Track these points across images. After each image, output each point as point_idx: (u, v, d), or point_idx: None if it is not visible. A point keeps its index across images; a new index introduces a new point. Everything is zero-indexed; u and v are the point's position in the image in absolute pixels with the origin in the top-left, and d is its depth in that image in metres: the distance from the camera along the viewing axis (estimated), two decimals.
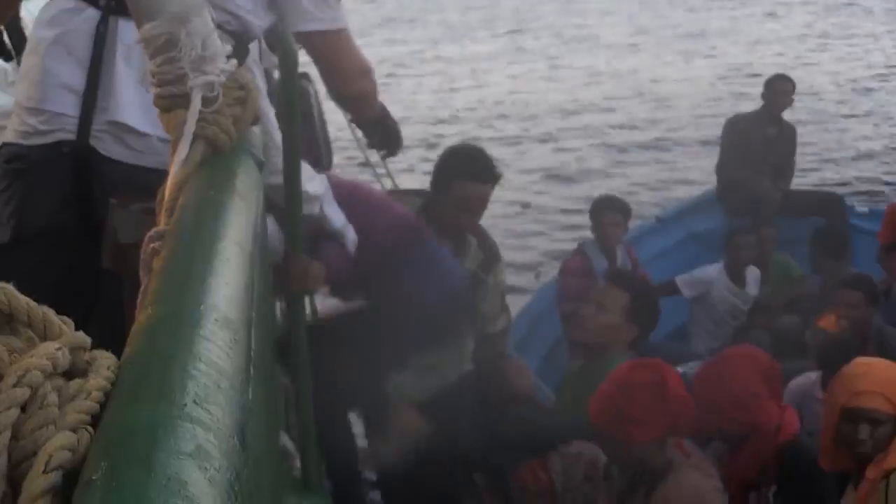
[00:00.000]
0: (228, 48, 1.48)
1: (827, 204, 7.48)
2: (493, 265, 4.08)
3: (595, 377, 3.61)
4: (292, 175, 2.35)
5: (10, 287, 0.83)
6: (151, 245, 1.28)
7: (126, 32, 2.19)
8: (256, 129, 1.54)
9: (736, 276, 6.26)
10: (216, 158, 1.38)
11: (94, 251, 2.27)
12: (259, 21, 2.48)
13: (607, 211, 6.07)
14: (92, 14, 2.24)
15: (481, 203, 3.95)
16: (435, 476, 3.59)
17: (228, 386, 0.76)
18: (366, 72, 2.82)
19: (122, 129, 2.20)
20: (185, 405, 0.69)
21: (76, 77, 2.22)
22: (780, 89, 7.55)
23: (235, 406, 0.75)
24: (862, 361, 3.38)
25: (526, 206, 9.80)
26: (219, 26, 2.18)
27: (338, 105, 3.14)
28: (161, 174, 2.21)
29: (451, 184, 3.89)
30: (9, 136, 2.30)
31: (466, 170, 3.94)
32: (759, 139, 7.53)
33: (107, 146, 2.21)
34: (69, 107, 2.22)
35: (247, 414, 0.77)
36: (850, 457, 3.21)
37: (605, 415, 3.20)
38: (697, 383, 3.59)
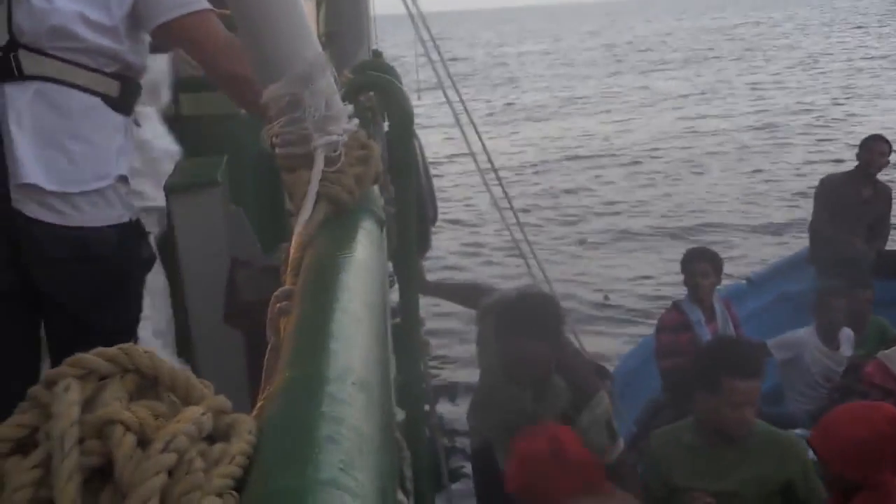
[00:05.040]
0: (350, 108, 1.49)
1: None
2: (587, 402, 3.91)
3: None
4: (408, 230, 2.35)
5: (153, 351, 0.84)
6: (278, 305, 1.29)
7: (14, 96, 2.20)
8: (377, 189, 1.55)
9: (828, 337, 6.10)
10: (339, 217, 1.39)
11: (32, 317, 2.28)
12: (139, 58, 2.38)
13: (697, 262, 5.98)
14: None
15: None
16: None
17: (370, 450, 0.76)
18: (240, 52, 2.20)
19: (35, 192, 2.21)
20: (332, 471, 0.69)
21: None
22: (876, 150, 7.49)
23: (378, 471, 0.74)
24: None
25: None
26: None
27: (224, 91, 2.71)
28: (93, 230, 2.20)
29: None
30: None
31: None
32: (853, 200, 7.43)
33: (31, 209, 2.22)
34: None
35: (388, 479, 0.77)
36: None
37: (530, 488, 3.33)
38: (826, 427, 3.54)
